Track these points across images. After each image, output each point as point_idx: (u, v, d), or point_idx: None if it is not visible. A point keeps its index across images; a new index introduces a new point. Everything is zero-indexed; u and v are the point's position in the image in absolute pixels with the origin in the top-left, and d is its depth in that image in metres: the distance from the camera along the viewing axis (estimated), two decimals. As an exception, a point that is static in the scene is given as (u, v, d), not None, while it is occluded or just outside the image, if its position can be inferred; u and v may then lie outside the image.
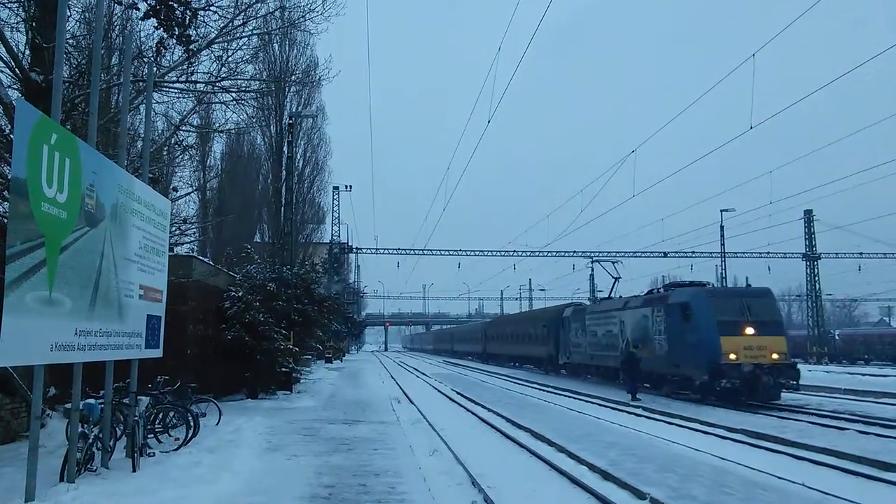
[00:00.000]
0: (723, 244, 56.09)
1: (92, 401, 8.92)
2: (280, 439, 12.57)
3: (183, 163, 22.48)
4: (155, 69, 12.83)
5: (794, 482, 8.84)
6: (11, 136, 8.37)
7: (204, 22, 13.67)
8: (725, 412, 17.23)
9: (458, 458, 10.48)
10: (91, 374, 8.96)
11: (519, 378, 33.32)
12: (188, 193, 25.65)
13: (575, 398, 22.16)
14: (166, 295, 10.76)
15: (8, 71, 12.21)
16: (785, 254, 61.11)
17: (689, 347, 20.38)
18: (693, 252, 60.91)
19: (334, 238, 56.94)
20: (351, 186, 55.86)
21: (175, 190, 21.08)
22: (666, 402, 20.04)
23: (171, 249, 14.61)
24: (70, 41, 12.82)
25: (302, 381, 26.83)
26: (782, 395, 19.30)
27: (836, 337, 62.08)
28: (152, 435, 11.06)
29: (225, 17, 14.07)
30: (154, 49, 13.24)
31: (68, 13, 11.59)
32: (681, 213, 56.33)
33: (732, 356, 18.89)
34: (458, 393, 24.04)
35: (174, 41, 12.94)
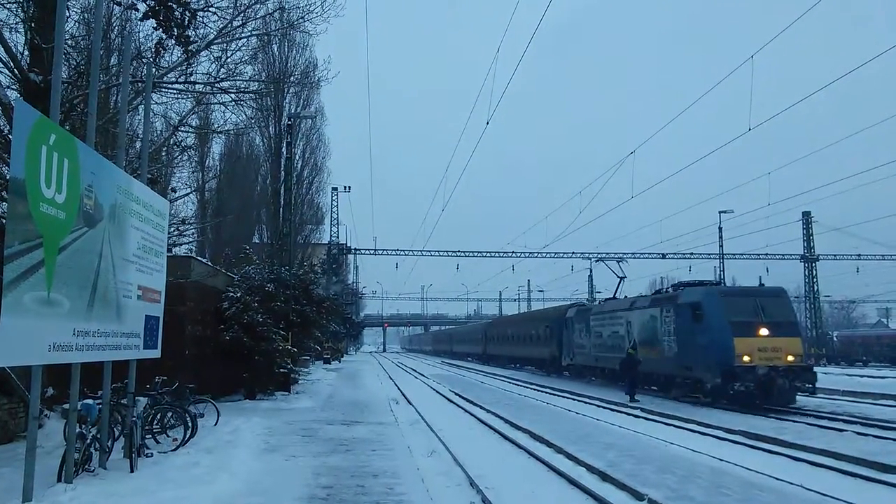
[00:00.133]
0: (721, 245, 56.21)
1: (90, 401, 8.92)
2: (278, 440, 12.57)
3: (181, 163, 22.42)
4: (154, 70, 12.83)
5: (792, 483, 8.84)
6: (10, 136, 8.36)
7: (203, 23, 13.68)
8: (722, 413, 17.24)
9: (456, 459, 10.48)
10: (89, 374, 8.95)
11: (519, 379, 33.30)
12: (187, 194, 25.62)
13: (573, 399, 22.15)
14: (164, 295, 10.76)
15: (7, 71, 12.21)
16: (783, 255, 61.21)
17: (701, 349, 19.65)
18: (691, 253, 61.01)
19: (333, 239, 56.95)
20: (350, 187, 55.89)
21: (174, 190, 21.05)
22: (665, 403, 20.02)
23: (169, 250, 14.61)
24: (69, 42, 12.81)
25: (300, 381, 26.81)
26: (797, 398, 18.71)
27: (835, 338, 62.18)
28: (150, 435, 11.06)
29: (224, 18, 14.08)
30: (153, 50, 13.24)
31: (67, 14, 11.57)
32: (679, 215, 56.44)
33: (746, 358, 18.23)
34: (456, 394, 24.02)
35: (173, 42, 12.94)
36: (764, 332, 18.74)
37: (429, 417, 16.12)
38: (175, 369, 13.49)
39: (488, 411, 17.97)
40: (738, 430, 13.70)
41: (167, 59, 13.92)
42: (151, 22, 12.52)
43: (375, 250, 65.26)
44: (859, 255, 63.32)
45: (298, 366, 28.31)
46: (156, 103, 15.87)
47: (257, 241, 37.86)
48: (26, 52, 12.22)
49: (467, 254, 65.87)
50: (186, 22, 12.69)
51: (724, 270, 56.16)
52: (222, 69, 14.79)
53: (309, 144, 39.13)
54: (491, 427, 14.95)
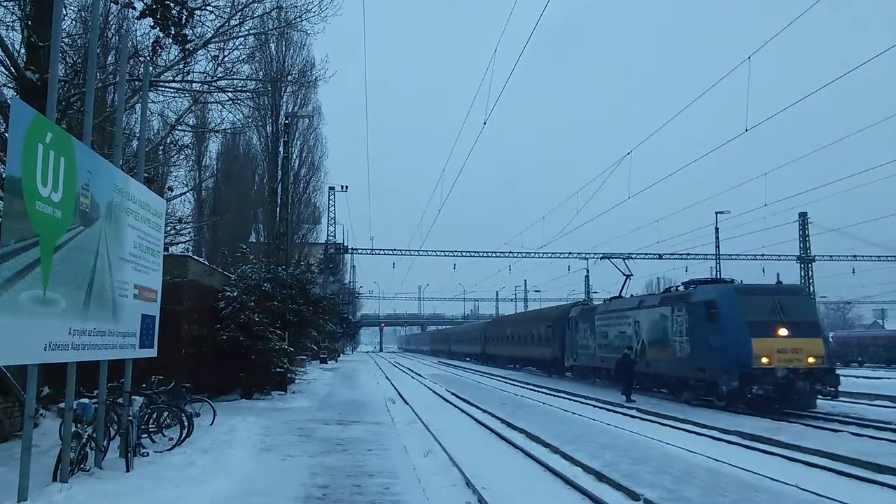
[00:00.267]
0: (717, 246, 56.29)
1: (86, 400, 8.91)
2: (274, 440, 12.55)
3: (178, 162, 22.43)
4: (151, 68, 12.80)
5: (787, 484, 8.86)
6: (6, 134, 8.33)
7: (200, 21, 13.65)
8: (716, 414, 17.27)
9: (452, 459, 10.48)
10: (85, 373, 8.95)
11: (516, 380, 33.31)
12: (184, 193, 25.68)
13: (570, 399, 22.18)
14: (161, 295, 10.74)
15: (3, 69, 12.18)
16: (779, 256, 61.34)
17: (716, 350, 18.71)
18: (688, 254, 61.11)
19: (330, 238, 56.94)
20: (347, 187, 55.89)
21: (170, 189, 21.07)
22: (662, 404, 20.05)
23: (166, 249, 14.58)
24: (66, 40, 12.80)
25: (297, 381, 26.80)
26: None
27: (830, 339, 62.26)
28: (146, 435, 11.04)
29: (221, 17, 14.05)
30: (150, 48, 13.23)
31: (64, 12, 11.54)
32: (676, 215, 56.51)
33: (765, 360, 17.32)
34: (453, 394, 24.02)
35: (170, 40, 12.92)
36: (783, 332, 17.86)
37: (425, 417, 16.12)
38: (171, 368, 13.47)
39: (485, 411, 17.98)
40: (734, 430, 13.74)
41: (164, 57, 13.92)
42: (148, 20, 12.50)
43: (372, 250, 65.28)
44: (855, 256, 63.55)
45: (295, 365, 28.30)
46: (153, 102, 15.86)
47: (254, 241, 37.84)
48: (23, 50, 12.18)
49: (464, 254, 65.91)
50: (184, 20, 12.67)
51: (720, 271, 56.21)
52: (219, 68, 14.79)
53: (306, 144, 39.20)
54: (487, 427, 14.96)
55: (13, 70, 11.83)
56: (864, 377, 32.95)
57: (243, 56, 15.70)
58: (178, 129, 17.70)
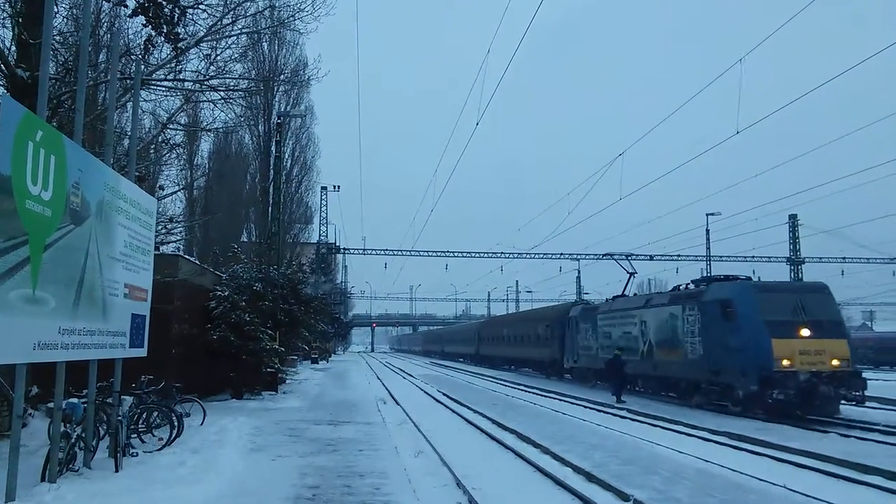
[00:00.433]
0: (708, 248, 56.53)
1: (75, 400, 8.87)
2: (265, 440, 12.53)
3: (170, 161, 22.35)
4: (142, 67, 12.77)
5: (776, 484, 8.92)
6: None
7: (192, 20, 13.63)
8: (702, 414, 17.34)
9: (443, 459, 10.50)
10: (74, 372, 8.90)
11: (509, 381, 33.33)
12: (175, 192, 25.54)
13: (560, 400, 22.23)
14: (151, 294, 10.71)
15: (-6, 67, 12.09)
16: (769, 258, 61.67)
17: (733, 352, 17.57)
18: (679, 255, 61.33)
19: (322, 238, 56.84)
20: (339, 187, 55.78)
21: (162, 188, 21.00)
22: (651, 405, 20.10)
23: (156, 248, 14.53)
24: (57, 38, 12.73)
25: (287, 381, 26.75)
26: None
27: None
28: (136, 435, 10.99)
29: (214, 16, 14.04)
30: (142, 47, 13.18)
31: (55, 9, 11.51)
32: (668, 216, 56.73)
33: (786, 362, 16.19)
34: (444, 394, 24.04)
35: (162, 39, 12.88)
36: (805, 332, 16.70)
37: (416, 418, 16.12)
38: (161, 368, 13.41)
39: (476, 412, 18.00)
40: (723, 431, 13.81)
41: (156, 56, 13.88)
42: (140, 19, 12.49)
43: (364, 250, 65.21)
44: (844, 259, 63.94)
45: (286, 365, 28.25)
46: (144, 100, 15.82)
47: (246, 240, 37.74)
48: (13, 48, 12.11)
49: (456, 254, 65.91)
50: (176, 19, 12.64)
51: (710, 272, 56.49)
52: (212, 67, 14.76)
53: (298, 143, 39.10)
54: (478, 427, 14.98)
55: (3, 68, 11.76)
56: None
57: (236, 55, 15.71)
58: (170, 128, 17.65)
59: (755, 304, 17.54)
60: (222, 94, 15.87)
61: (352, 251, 65.50)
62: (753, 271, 59.02)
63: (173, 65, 14.28)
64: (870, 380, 17.88)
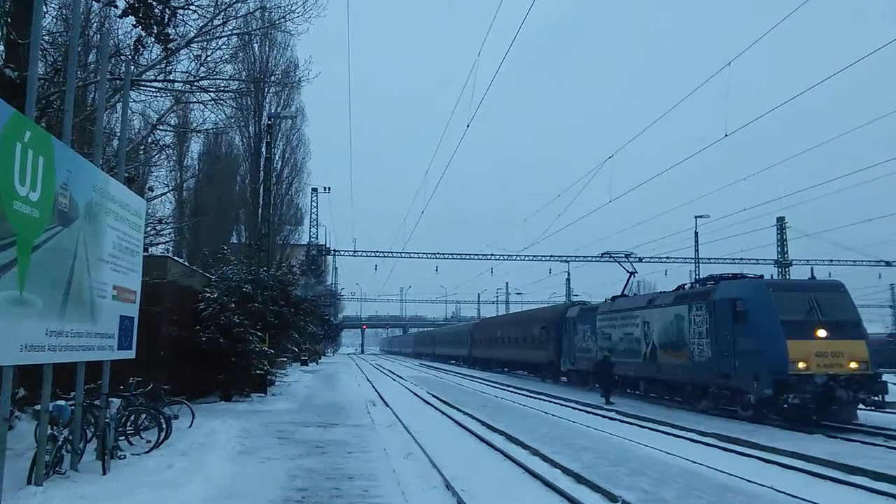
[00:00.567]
0: (696, 250, 56.86)
1: (62, 402, 8.82)
2: (254, 442, 12.50)
3: (159, 162, 22.27)
4: (132, 67, 12.72)
5: (763, 485, 9.00)
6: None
7: (183, 21, 13.59)
8: (689, 415, 17.43)
9: (432, 461, 10.51)
10: (62, 374, 8.85)
11: (500, 383, 33.35)
12: (164, 193, 25.46)
13: (549, 402, 22.29)
14: (140, 296, 10.66)
15: (-19, 67, 12.00)
16: (757, 260, 62.05)
17: (745, 354, 16.81)
18: (667, 257, 61.65)
19: (312, 240, 56.71)
20: (329, 188, 55.79)
21: (151, 190, 20.89)
22: (640, 406, 20.16)
23: (145, 250, 14.47)
24: (46, 38, 12.65)
25: (277, 383, 26.67)
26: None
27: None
28: (123, 437, 10.94)
29: (204, 17, 14.00)
30: (132, 47, 13.13)
31: (45, 9, 11.45)
32: (658, 219, 56.99)
33: (802, 365, 15.38)
34: (434, 396, 24.04)
35: (152, 39, 12.83)
36: (822, 333, 15.93)
37: (406, 420, 16.12)
38: (150, 370, 13.36)
39: (466, 414, 18.01)
40: (711, 432, 13.90)
41: (146, 56, 13.83)
42: (130, 19, 12.40)
43: (355, 252, 65.10)
44: (831, 261, 64.42)
45: (275, 367, 28.16)
46: (134, 101, 15.75)
47: (235, 242, 37.55)
48: (2, 48, 12.03)
49: (446, 256, 66.01)
50: (166, 20, 12.59)
51: (699, 275, 56.81)
52: (202, 68, 14.70)
53: (289, 144, 38.99)
54: (468, 429, 14.99)
55: (-9, 67, 11.68)
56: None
57: (226, 56, 15.66)
58: (160, 129, 17.59)
59: (769, 304, 16.73)
60: (212, 95, 15.83)
61: (342, 253, 65.43)
62: (742, 273, 59.43)
63: (163, 65, 14.26)
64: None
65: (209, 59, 14.73)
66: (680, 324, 20.10)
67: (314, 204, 55.79)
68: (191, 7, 13.58)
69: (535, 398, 23.82)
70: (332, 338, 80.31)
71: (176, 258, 21.87)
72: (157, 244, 22.07)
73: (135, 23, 12.41)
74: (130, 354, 10.29)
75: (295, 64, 32.07)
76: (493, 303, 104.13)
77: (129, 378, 11.86)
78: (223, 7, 14.21)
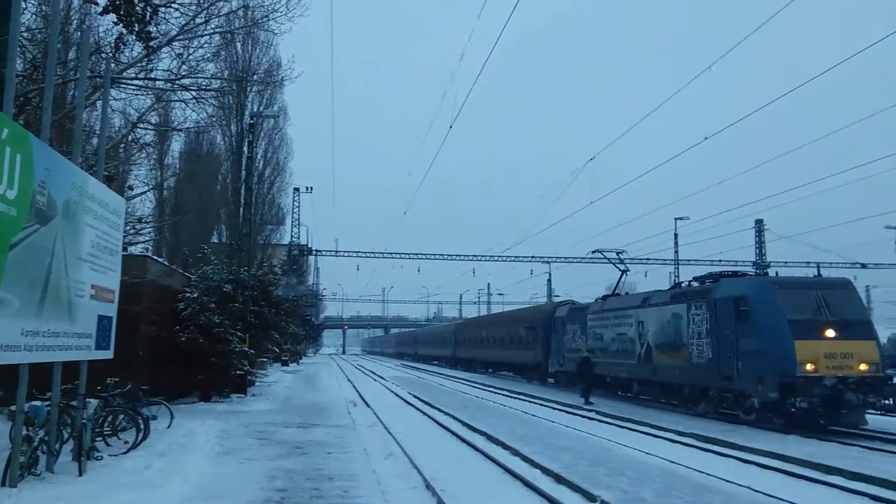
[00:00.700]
0: (676, 251, 57.41)
1: (38, 403, 8.70)
2: (233, 443, 12.43)
3: (139, 161, 22.12)
4: (113, 65, 12.61)
5: (740, 485, 9.11)
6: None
7: (165, 19, 13.50)
8: (669, 415, 17.57)
9: (413, 461, 10.52)
10: (38, 374, 8.74)
11: (482, 383, 33.40)
12: (144, 192, 25.25)
13: (530, 402, 22.38)
14: (119, 295, 10.57)
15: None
16: (736, 262, 62.67)
17: (749, 355, 16.05)
18: (647, 259, 62.11)
19: (294, 240, 56.48)
20: (311, 188, 55.54)
21: (131, 188, 20.72)
22: (619, 406, 20.27)
23: (125, 249, 14.34)
24: (25, 34, 12.50)
25: (257, 384, 26.52)
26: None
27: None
28: (101, 438, 10.83)
29: (186, 15, 13.93)
30: (112, 45, 13.03)
31: (24, 5, 11.30)
32: (639, 220, 57.43)
33: (810, 367, 14.65)
34: (415, 397, 24.03)
35: (133, 37, 12.74)
36: (831, 333, 15.16)
37: (386, 420, 16.11)
38: (128, 370, 13.23)
39: (447, 414, 18.04)
40: (690, 432, 14.04)
41: (127, 54, 13.74)
42: (112, 16, 12.32)
43: (336, 252, 64.87)
44: (808, 263, 65.21)
45: (256, 368, 28.00)
46: (114, 99, 15.59)
47: (216, 241, 37.27)
48: (-22, 44, 11.87)
49: (428, 256, 66.00)
50: (148, 17, 12.51)
51: (678, 276, 57.33)
52: (183, 66, 14.63)
53: (271, 144, 38.78)
54: (449, 430, 15.02)
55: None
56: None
57: (208, 54, 15.57)
58: (140, 128, 17.48)
59: (775, 302, 15.79)
60: (194, 93, 15.76)
61: (324, 253, 65.18)
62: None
63: (144, 63, 14.15)
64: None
65: (191, 57, 14.68)
66: (677, 323, 19.29)
67: (296, 204, 55.62)
68: (173, 5, 13.51)
69: (516, 398, 23.90)
70: (313, 338, 79.89)
71: (155, 257, 21.69)
72: (137, 243, 21.90)
73: (116, 20, 12.32)
74: (108, 354, 10.20)
75: (278, 63, 31.93)
76: (475, 303, 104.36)
77: (107, 378, 11.75)
78: (206, 5, 14.16)
